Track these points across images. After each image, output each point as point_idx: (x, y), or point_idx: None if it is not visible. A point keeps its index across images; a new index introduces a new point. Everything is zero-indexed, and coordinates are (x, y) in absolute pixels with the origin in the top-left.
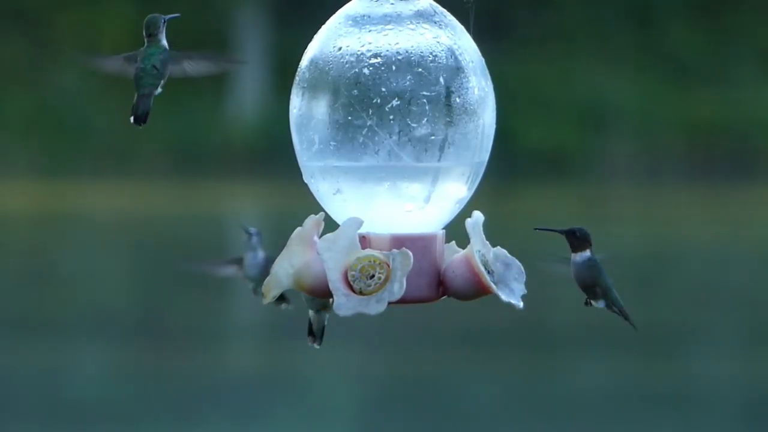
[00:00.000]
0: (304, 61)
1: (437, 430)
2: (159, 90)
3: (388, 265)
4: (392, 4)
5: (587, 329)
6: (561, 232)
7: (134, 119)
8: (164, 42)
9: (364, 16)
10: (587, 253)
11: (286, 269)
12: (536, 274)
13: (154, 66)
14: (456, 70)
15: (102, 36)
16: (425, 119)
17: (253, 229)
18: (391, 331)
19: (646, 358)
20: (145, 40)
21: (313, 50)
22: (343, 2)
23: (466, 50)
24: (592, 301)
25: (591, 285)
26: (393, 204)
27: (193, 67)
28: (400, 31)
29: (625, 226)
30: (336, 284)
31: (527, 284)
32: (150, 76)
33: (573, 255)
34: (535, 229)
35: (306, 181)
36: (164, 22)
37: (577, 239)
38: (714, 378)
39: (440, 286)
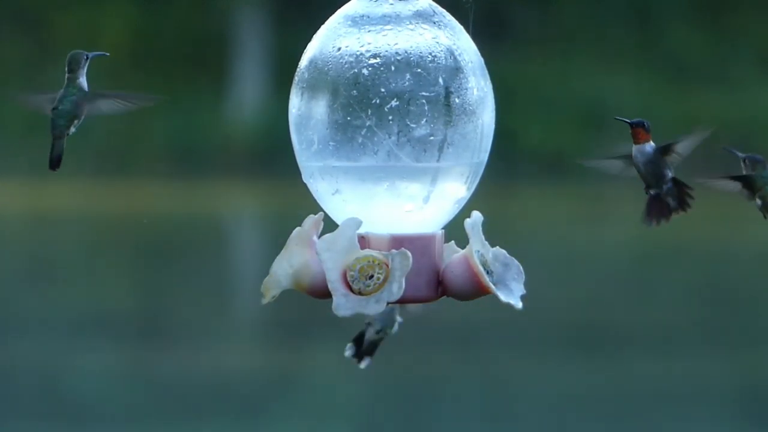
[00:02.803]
0: (304, 62)
1: (437, 430)
2: (72, 130)
3: (387, 265)
4: (391, 4)
5: (586, 329)
6: (630, 123)
7: (49, 163)
8: (83, 80)
9: (363, 16)
10: (651, 143)
11: (285, 269)
12: (535, 274)
13: (66, 108)
14: (455, 70)
15: (102, 36)
16: (424, 119)
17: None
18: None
19: (645, 358)
20: (66, 77)
21: (312, 50)
22: (342, 2)
23: (465, 50)
24: (653, 190)
25: (659, 170)
26: (392, 204)
27: (108, 106)
28: (399, 31)
29: (625, 226)
30: (335, 284)
31: (526, 284)
32: (62, 118)
33: (638, 146)
34: (615, 119)
35: (305, 181)
36: (86, 59)
37: (646, 130)
38: (714, 378)
39: (439, 286)
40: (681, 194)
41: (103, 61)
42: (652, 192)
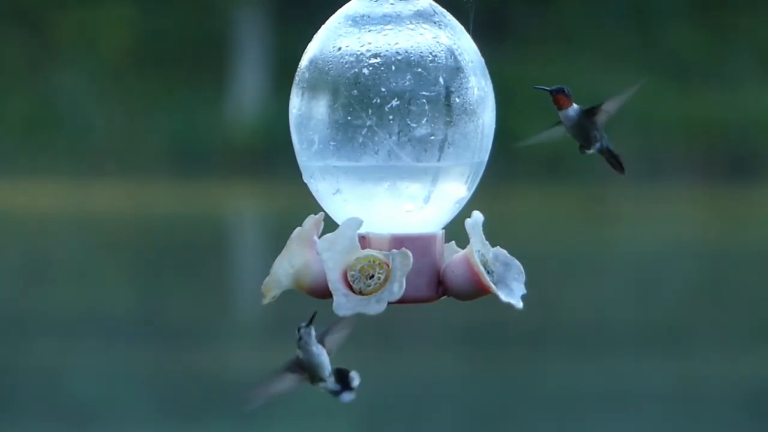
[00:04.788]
0: (304, 61)
1: (437, 430)
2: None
3: (388, 265)
4: (392, 4)
5: (586, 329)
6: (550, 90)
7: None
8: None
9: (363, 16)
10: (575, 106)
11: (285, 269)
12: (536, 274)
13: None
14: (455, 70)
15: (102, 36)
16: (425, 119)
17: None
18: (391, 330)
19: (645, 358)
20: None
21: (312, 50)
22: (343, 2)
23: (466, 50)
24: (588, 150)
25: (587, 131)
26: (392, 204)
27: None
28: (399, 31)
29: (625, 226)
30: (335, 284)
31: (527, 284)
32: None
33: (563, 111)
34: (534, 87)
35: (305, 181)
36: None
37: (566, 96)
38: (714, 378)
39: (440, 286)
40: (613, 159)
41: (104, 61)
42: (589, 151)
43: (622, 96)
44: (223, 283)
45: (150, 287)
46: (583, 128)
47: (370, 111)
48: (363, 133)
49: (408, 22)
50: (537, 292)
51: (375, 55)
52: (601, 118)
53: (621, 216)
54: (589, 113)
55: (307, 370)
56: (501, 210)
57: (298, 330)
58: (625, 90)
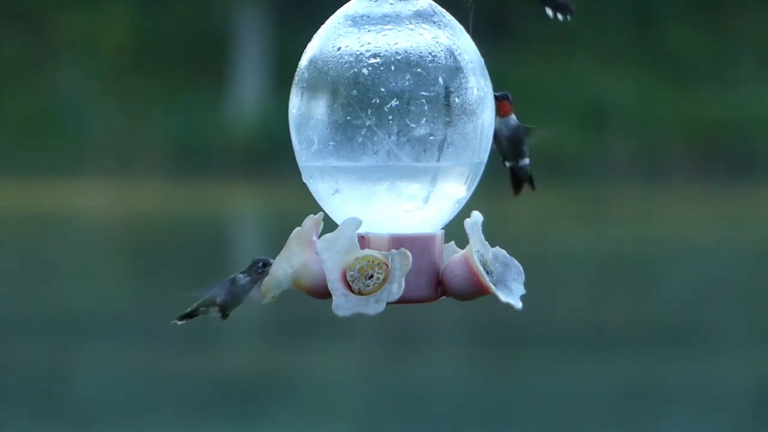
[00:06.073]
0: (304, 61)
1: (436, 430)
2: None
3: (387, 265)
4: (391, 4)
5: (587, 329)
6: (495, 96)
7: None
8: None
9: (363, 16)
10: (514, 116)
11: (284, 269)
12: (536, 274)
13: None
14: (455, 70)
15: (102, 36)
16: (424, 119)
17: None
18: (391, 330)
19: (645, 359)
20: None
21: (312, 50)
22: (342, 2)
23: (465, 50)
24: (510, 163)
25: (520, 144)
26: (392, 204)
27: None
28: (399, 31)
29: (625, 226)
30: (335, 284)
31: (526, 285)
32: None
33: (504, 119)
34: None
35: (305, 181)
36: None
37: (510, 103)
38: (714, 378)
39: (439, 286)
40: (529, 177)
41: (104, 61)
42: (508, 164)
43: (545, 131)
44: None
45: (148, 286)
46: (518, 140)
47: (369, 111)
48: (362, 133)
49: (407, 22)
50: (537, 292)
51: (374, 55)
52: (533, 135)
53: (621, 216)
54: (525, 128)
55: (233, 297)
56: (501, 210)
57: (264, 264)
58: (547, 129)
